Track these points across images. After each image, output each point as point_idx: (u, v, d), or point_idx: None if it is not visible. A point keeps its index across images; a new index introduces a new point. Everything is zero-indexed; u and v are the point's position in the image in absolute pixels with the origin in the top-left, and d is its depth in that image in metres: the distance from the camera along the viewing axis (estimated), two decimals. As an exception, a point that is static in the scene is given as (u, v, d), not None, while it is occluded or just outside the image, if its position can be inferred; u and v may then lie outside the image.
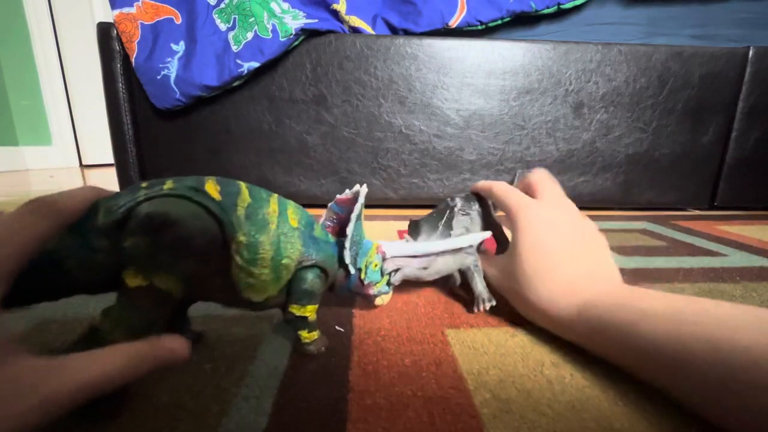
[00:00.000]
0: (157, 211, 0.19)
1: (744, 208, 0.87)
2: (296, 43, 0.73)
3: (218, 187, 0.21)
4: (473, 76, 0.77)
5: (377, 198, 0.82)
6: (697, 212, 0.85)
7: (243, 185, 0.23)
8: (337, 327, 0.26)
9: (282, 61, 0.74)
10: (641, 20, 0.83)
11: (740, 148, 0.83)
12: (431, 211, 0.36)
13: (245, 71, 0.71)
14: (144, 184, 0.20)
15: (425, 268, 0.31)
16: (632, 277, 0.42)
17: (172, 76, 0.71)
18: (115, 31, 0.72)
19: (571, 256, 0.28)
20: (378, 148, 0.79)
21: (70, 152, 2.10)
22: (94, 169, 1.96)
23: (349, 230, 0.26)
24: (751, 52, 0.78)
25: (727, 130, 0.82)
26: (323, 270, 0.25)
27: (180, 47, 0.72)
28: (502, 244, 0.38)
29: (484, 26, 0.78)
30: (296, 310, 0.24)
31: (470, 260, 0.33)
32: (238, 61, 0.70)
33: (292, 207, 0.25)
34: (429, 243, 0.30)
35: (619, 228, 0.66)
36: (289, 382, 0.23)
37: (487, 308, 0.31)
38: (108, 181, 1.34)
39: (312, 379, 0.23)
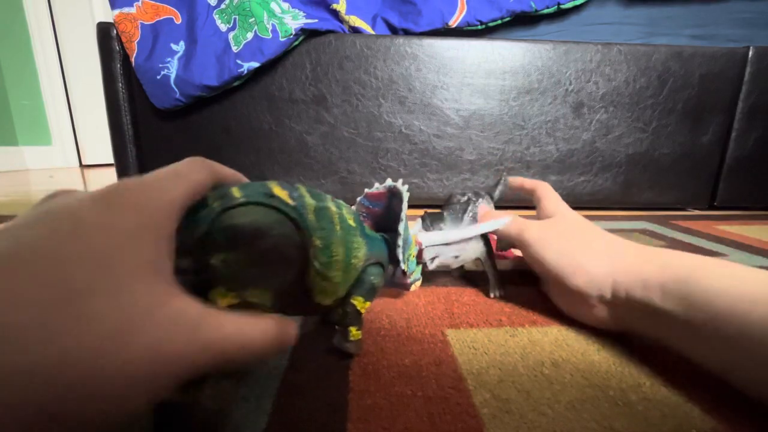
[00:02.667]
0: (244, 222, 0.17)
1: (744, 208, 0.87)
2: (296, 43, 0.73)
3: (285, 191, 0.20)
4: (473, 76, 0.77)
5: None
6: (697, 212, 0.85)
7: (301, 187, 0.22)
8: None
9: (282, 61, 0.74)
10: (641, 20, 0.83)
11: (740, 148, 0.83)
12: (448, 206, 0.37)
13: (245, 71, 0.71)
14: (209, 195, 0.19)
15: (456, 257, 0.34)
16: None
17: (172, 76, 0.71)
18: (115, 31, 0.72)
19: (607, 236, 0.30)
20: (378, 148, 0.79)
21: (70, 152, 2.10)
22: (94, 169, 1.96)
23: (402, 230, 0.26)
24: (751, 52, 0.78)
25: (727, 130, 0.82)
26: (383, 266, 0.26)
27: (180, 47, 0.72)
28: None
29: (484, 26, 0.78)
30: (359, 303, 0.24)
31: (484, 250, 0.36)
32: (238, 61, 0.70)
33: (345, 206, 0.24)
34: (460, 230, 0.33)
35: (619, 228, 0.66)
36: (289, 382, 0.23)
37: (497, 296, 0.35)
38: (108, 181, 1.34)
39: (312, 379, 0.23)
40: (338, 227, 0.22)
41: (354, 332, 0.25)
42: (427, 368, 0.24)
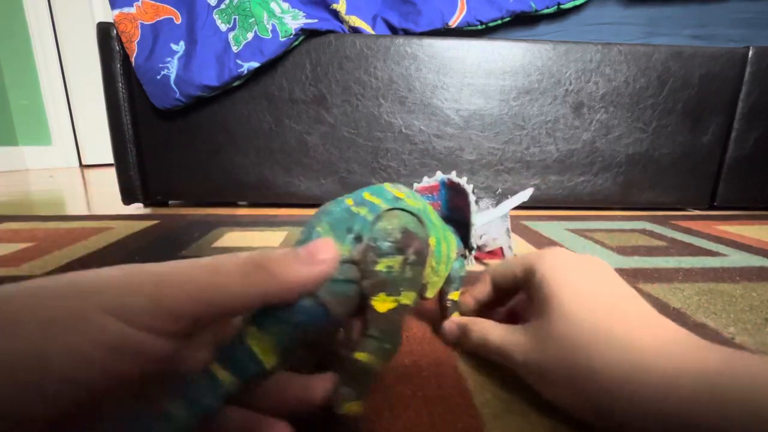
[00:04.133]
0: (398, 228, 0.18)
1: (744, 208, 0.87)
2: (296, 43, 0.73)
3: (403, 193, 0.21)
4: (473, 76, 0.77)
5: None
6: (697, 212, 0.85)
7: (404, 188, 0.22)
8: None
9: (282, 61, 0.74)
10: (641, 20, 0.83)
11: (740, 148, 0.83)
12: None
13: (245, 71, 0.71)
14: (349, 200, 0.19)
15: (495, 239, 0.38)
16: (632, 277, 0.42)
17: (172, 76, 0.71)
18: (115, 31, 0.72)
19: (632, 302, 0.20)
20: (378, 148, 0.79)
21: (70, 152, 2.10)
22: (94, 169, 1.96)
23: (474, 220, 0.27)
24: (750, 52, 0.78)
25: (726, 130, 0.82)
26: (463, 256, 0.28)
27: (180, 47, 0.72)
28: None
29: (484, 26, 0.78)
30: (455, 296, 0.27)
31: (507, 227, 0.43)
32: (238, 61, 0.70)
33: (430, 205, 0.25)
34: (500, 206, 0.34)
35: (619, 228, 0.66)
36: (290, 382, 0.23)
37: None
38: (108, 181, 1.34)
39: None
40: (438, 224, 0.23)
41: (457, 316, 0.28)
42: (427, 368, 0.24)
